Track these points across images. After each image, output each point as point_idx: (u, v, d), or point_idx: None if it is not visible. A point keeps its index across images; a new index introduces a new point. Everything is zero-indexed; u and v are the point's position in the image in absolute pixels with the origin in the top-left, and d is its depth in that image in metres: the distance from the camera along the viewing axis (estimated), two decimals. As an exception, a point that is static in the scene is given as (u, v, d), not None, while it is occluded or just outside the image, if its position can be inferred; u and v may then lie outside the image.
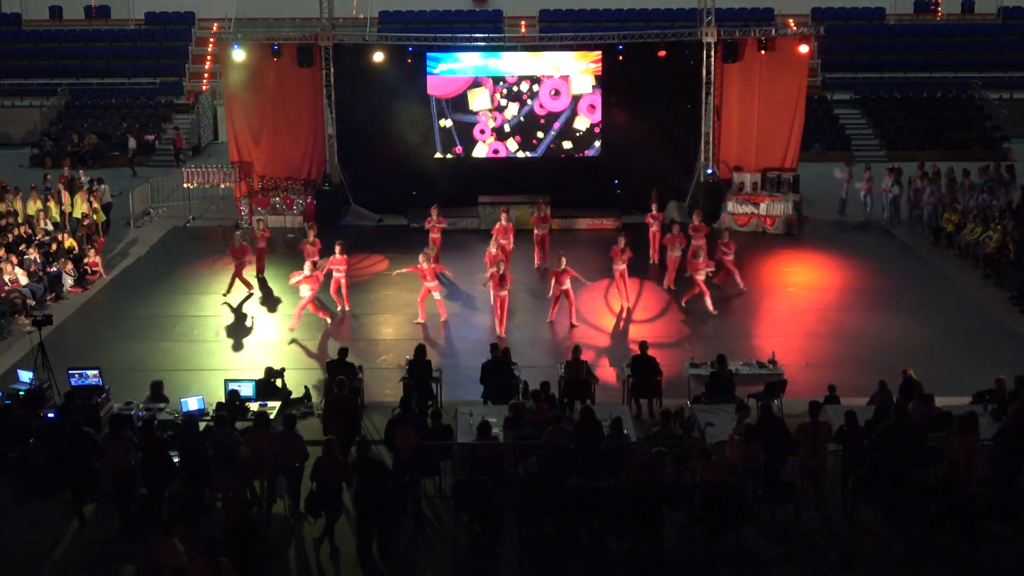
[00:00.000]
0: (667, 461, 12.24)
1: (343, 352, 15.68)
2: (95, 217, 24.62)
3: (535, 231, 22.81)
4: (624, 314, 19.91)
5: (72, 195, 25.19)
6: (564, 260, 19.13)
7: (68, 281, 21.42)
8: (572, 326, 19.29)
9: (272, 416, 13.87)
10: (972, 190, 24.82)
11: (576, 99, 26.98)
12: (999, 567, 11.82)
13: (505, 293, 18.95)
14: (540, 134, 27.21)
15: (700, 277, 19.93)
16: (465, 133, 27.23)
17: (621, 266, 20.17)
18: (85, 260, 22.24)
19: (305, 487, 12.54)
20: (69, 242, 22.67)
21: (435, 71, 26.82)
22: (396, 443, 12.85)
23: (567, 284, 19.13)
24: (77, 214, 24.63)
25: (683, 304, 20.10)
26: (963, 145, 33.27)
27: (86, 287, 21.72)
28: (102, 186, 25.88)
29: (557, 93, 26.95)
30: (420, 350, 15.69)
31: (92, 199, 24.91)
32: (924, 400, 13.83)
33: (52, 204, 24.87)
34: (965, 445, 12.29)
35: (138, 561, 11.75)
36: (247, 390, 14.59)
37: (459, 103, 27.04)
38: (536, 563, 11.91)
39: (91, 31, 39.31)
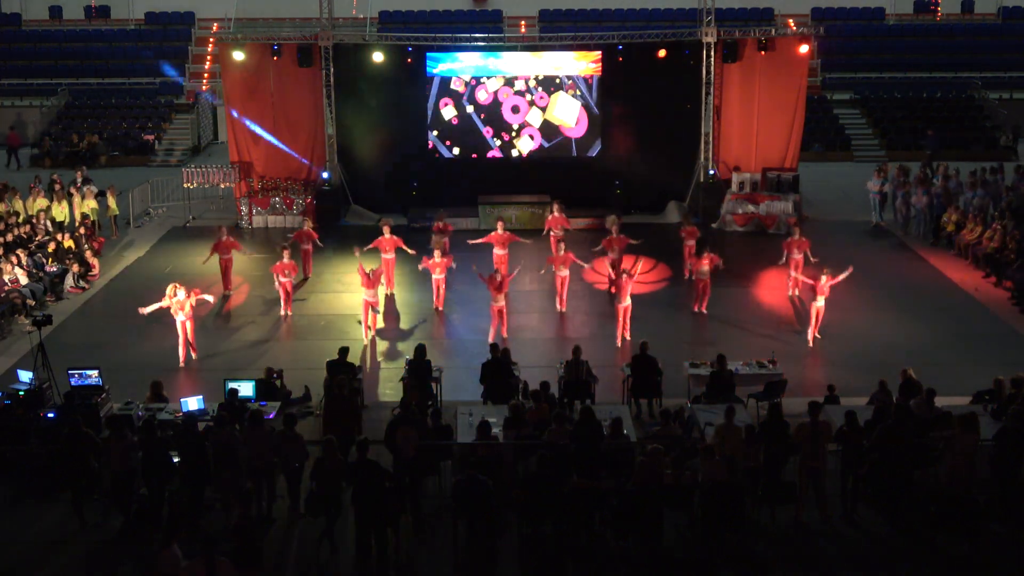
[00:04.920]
0: (667, 461, 12.24)
1: (343, 352, 15.68)
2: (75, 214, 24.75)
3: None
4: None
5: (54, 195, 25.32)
6: (563, 245, 20.35)
7: (68, 281, 21.42)
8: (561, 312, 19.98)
9: (272, 416, 13.87)
10: (974, 188, 24.80)
11: (576, 99, 26.97)
12: (999, 567, 11.81)
13: (502, 303, 18.43)
14: (540, 134, 27.20)
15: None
16: (464, 132, 27.23)
17: (613, 255, 20.68)
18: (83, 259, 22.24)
19: (305, 487, 12.53)
20: (68, 242, 22.66)
21: (435, 71, 26.83)
22: (396, 443, 12.85)
23: (565, 271, 19.82)
24: (77, 214, 24.65)
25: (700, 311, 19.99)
26: (963, 145, 33.29)
27: (86, 287, 21.72)
28: (87, 186, 25.92)
29: (557, 93, 26.94)
30: (420, 350, 15.68)
31: (77, 198, 25.06)
32: (924, 400, 13.84)
33: (52, 204, 24.87)
34: (965, 445, 12.29)
35: (138, 561, 11.74)
36: (247, 390, 14.59)
37: (458, 103, 27.05)
38: (536, 563, 11.90)
39: (91, 31, 39.31)
